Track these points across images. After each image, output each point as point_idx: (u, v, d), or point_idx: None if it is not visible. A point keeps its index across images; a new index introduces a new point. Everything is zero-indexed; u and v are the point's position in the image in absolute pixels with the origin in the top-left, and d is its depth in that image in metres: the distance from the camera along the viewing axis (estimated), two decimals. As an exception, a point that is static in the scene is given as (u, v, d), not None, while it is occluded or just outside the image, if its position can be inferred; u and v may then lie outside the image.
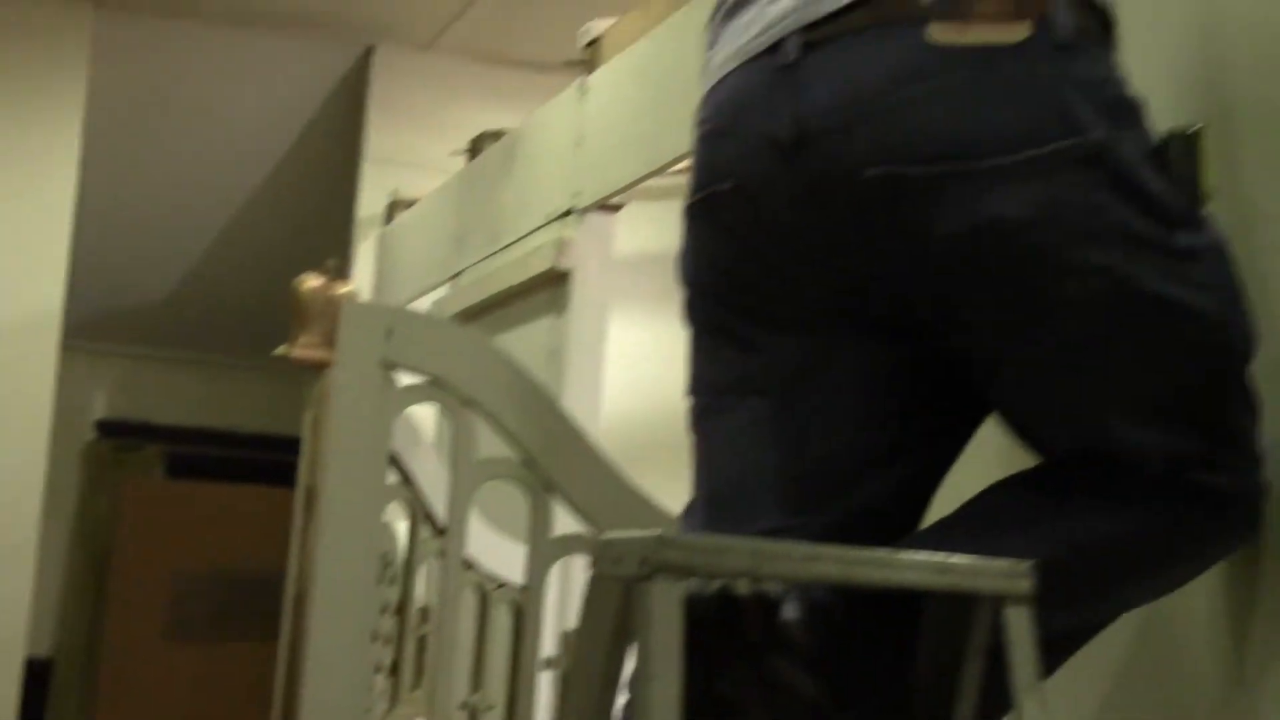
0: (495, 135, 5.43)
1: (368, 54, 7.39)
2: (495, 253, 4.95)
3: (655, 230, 4.95)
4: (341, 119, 7.51)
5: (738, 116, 1.73)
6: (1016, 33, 1.58)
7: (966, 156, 1.58)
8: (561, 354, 4.28)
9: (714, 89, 1.78)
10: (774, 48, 1.69)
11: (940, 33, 1.59)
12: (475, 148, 5.60)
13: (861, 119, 1.62)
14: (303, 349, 5.11)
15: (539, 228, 4.56)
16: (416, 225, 6.14)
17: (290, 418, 6.07)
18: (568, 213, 4.37)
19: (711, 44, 1.83)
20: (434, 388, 2.89)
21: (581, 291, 4.29)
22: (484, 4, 6.79)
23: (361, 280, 6.76)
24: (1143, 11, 1.95)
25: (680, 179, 3.47)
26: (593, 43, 4.44)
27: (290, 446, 5.09)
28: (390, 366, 2.83)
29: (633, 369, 4.65)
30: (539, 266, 4.41)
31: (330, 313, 5.14)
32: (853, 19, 1.64)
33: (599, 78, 4.33)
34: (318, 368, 4.73)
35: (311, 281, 5.44)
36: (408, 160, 7.14)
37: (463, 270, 5.30)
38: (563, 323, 4.33)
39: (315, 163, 7.72)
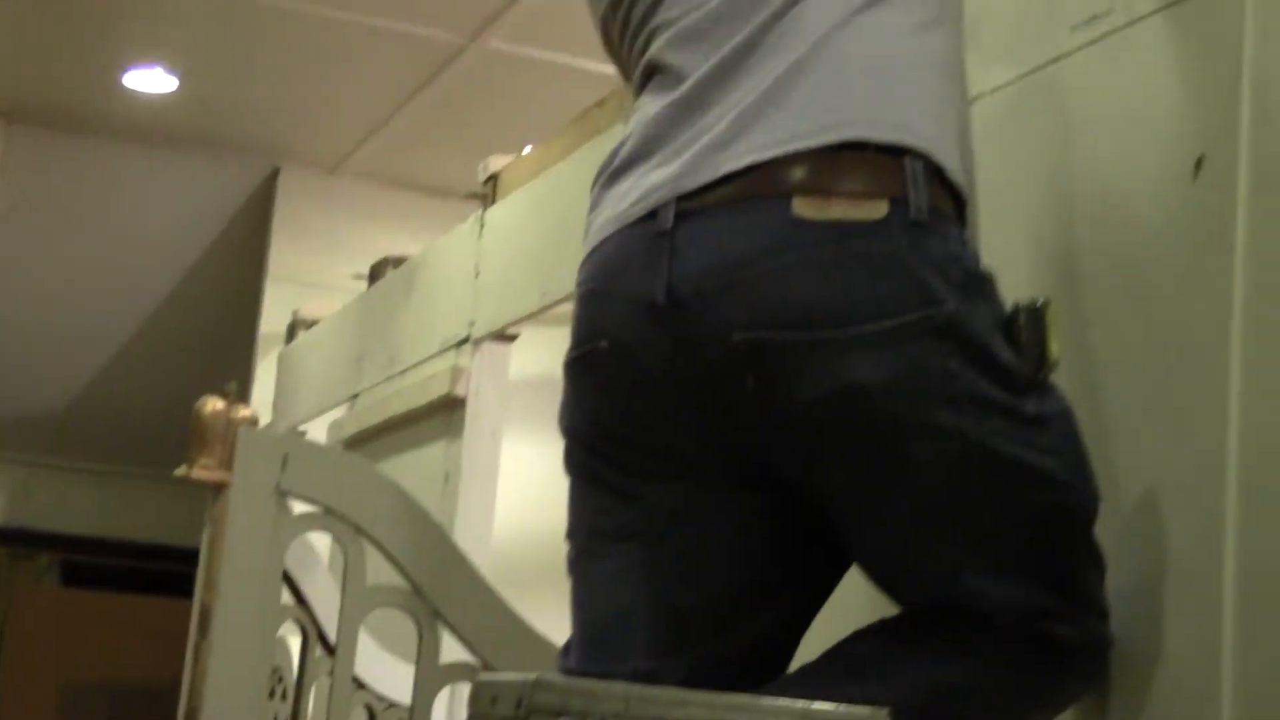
0: (396, 261, 5.49)
1: (273, 175, 7.46)
2: (393, 376, 5.00)
3: (551, 353, 5.03)
4: (246, 238, 7.56)
5: (615, 279, 1.80)
6: (875, 210, 1.67)
7: (828, 325, 1.66)
8: (456, 479, 4.33)
9: (594, 251, 1.85)
10: (651, 215, 1.76)
11: (805, 208, 1.67)
12: (376, 272, 5.66)
13: (731, 286, 1.69)
14: (201, 470, 5.11)
15: (436, 354, 4.62)
16: (317, 345, 6.17)
17: (188, 529, 6.05)
18: (464, 340, 4.44)
19: (594, 207, 1.90)
20: (327, 516, 2.93)
21: (476, 418, 4.35)
22: (388, 131, 6.89)
23: (261, 397, 6.76)
24: (996, 189, 2.06)
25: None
26: (491, 178, 4.52)
27: (187, 557, 5.07)
28: (285, 494, 2.88)
29: (526, 489, 4.69)
30: (435, 392, 4.46)
31: (230, 436, 5.15)
32: (724, 191, 1.72)
33: (497, 212, 4.41)
34: (216, 488, 4.73)
35: (213, 404, 5.44)
36: (310, 280, 7.19)
37: (360, 392, 5.34)
38: (457, 448, 4.39)
39: (219, 280, 7.76)
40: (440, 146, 6.89)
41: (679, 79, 1.83)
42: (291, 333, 6.76)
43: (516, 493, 4.56)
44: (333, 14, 5.77)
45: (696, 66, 1.81)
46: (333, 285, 6.77)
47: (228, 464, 5.07)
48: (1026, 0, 2.26)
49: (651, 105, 1.86)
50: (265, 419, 6.55)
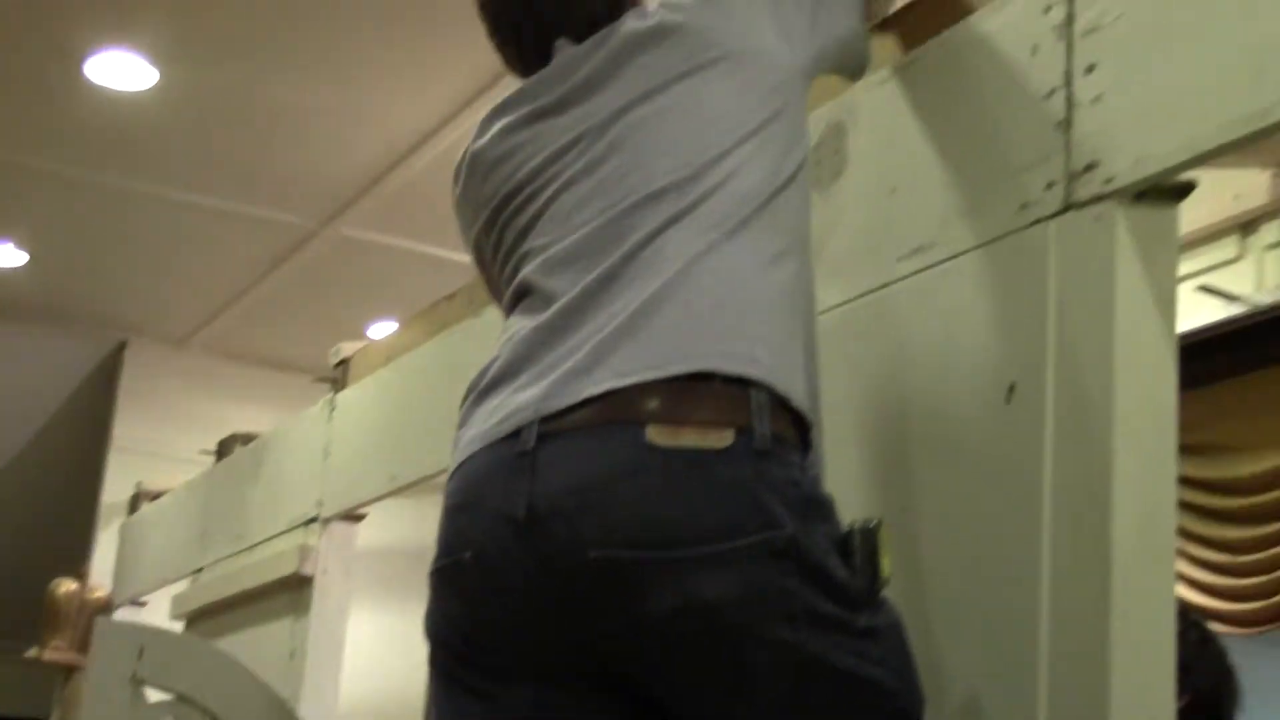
0: (244, 438, 5.51)
1: (120, 348, 7.45)
2: (239, 552, 4.99)
3: (400, 526, 5.08)
4: (91, 409, 7.52)
5: (480, 493, 1.88)
6: (722, 439, 1.77)
7: (677, 544, 1.75)
8: (302, 656, 4.33)
9: (461, 466, 1.93)
10: (515, 434, 1.85)
11: (657, 435, 1.77)
12: (223, 448, 5.67)
13: (588, 505, 1.78)
14: (53, 652, 5.08)
15: (284, 532, 4.64)
16: (160, 518, 6.14)
17: (36, 702, 5.97)
18: (313, 520, 4.46)
19: (462, 423, 1.98)
20: (181, 704, 2.95)
21: (323, 596, 4.36)
22: (237, 308, 6.93)
23: (102, 568, 6.70)
24: (834, 403, 2.17)
25: (426, 480, 3.69)
26: (343, 362, 4.58)
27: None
28: (140, 683, 2.89)
29: (368, 660, 4.71)
30: (283, 570, 4.47)
31: (83, 618, 5.14)
32: (583, 415, 1.81)
33: (348, 396, 4.47)
34: (68, 670, 4.72)
35: (66, 585, 5.43)
36: (154, 451, 7.16)
37: (204, 567, 5.32)
38: (304, 625, 4.39)
39: (62, 450, 7.70)
40: (289, 324, 6.95)
41: (547, 302, 1.93)
42: (134, 504, 6.73)
43: (360, 661, 4.58)
44: (186, 197, 5.83)
45: (564, 292, 1.91)
46: (177, 457, 6.76)
47: (79, 646, 5.05)
48: (861, 229, 2.39)
49: (520, 327, 1.95)
50: (106, 589, 6.50)
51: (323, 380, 4.67)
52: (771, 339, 1.87)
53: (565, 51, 2.10)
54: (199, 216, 6.00)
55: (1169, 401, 1.96)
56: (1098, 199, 1.97)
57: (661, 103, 1.98)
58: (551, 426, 1.82)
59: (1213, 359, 4.13)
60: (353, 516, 4.42)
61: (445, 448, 3.65)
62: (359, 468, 4.28)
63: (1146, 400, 1.93)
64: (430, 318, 4.08)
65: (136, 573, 6.27)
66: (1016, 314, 2.07)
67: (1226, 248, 3.97)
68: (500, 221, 2.08)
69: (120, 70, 5.11)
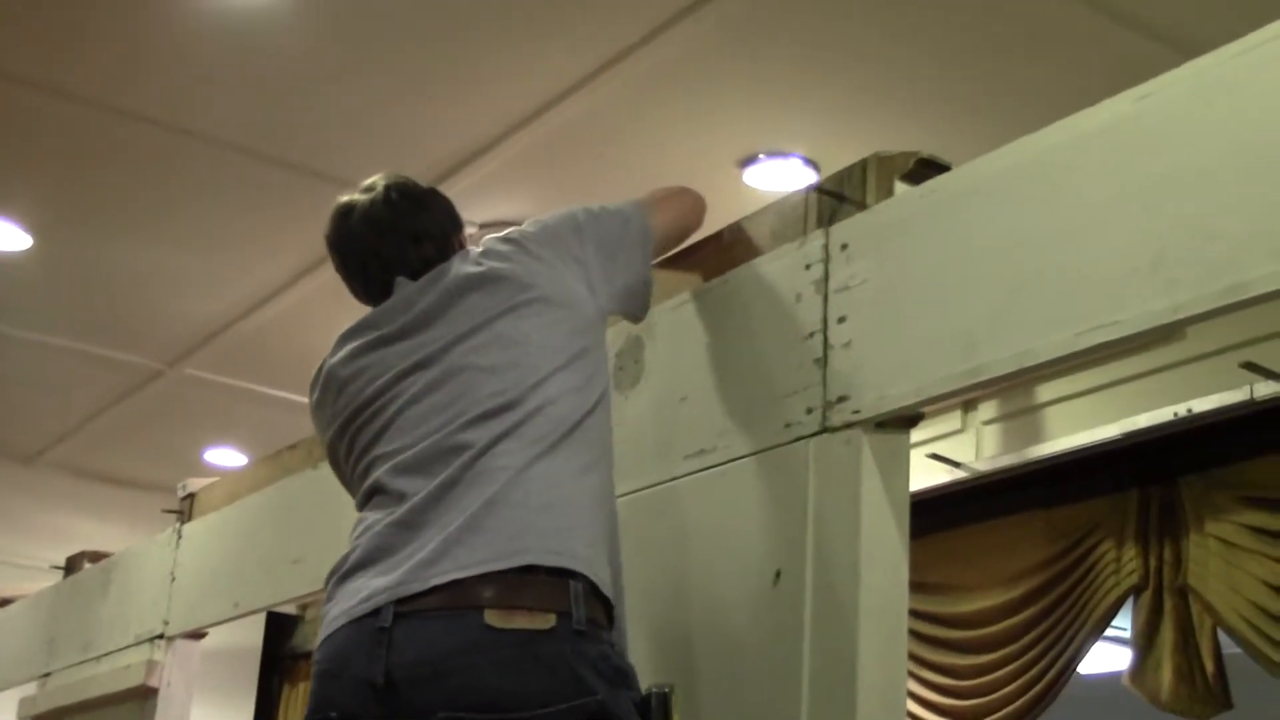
0: (91, 555, 5.53)
1: (-31, 463, 7.36)
2: (86, 661, 5.02)
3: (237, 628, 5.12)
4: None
5: (345, 662, 2.06)
6: (546, 622, 1.99)
7: (510, 709, 1.95)
8: (145, 763, 4.39)
9: (328, 638, 2.11)
10: (374, 613, 2.04)
11: (494, 618, 1.99)
12: (72, 564, 5.67)
13: (436, 675, 1.98)
14: None
15: (131, 645, 4.69)
16: (9, 624, 6.09)
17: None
18: (159, 636, 4.53)
19: (328, 600, 2.16)
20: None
21: (166, 707, 4.42)
22: (85, 432, 6.91)
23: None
24: (630, 581, 2.38)
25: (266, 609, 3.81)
26: (190, 496, 4.67)
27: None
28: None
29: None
30: (130, 681, 4.53)
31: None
32: (432, 600, 2.01)
33: (193, 527, 4.55)
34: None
35: None
36: (3, 560, 7.09)
37: (52, 672, 5.32)
38: (147, 735, 4.45)
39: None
40: (135, 448, 6.95)
41: (399, 500, 2.13)
42: (-20, 610, 6.63)
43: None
44: (44, 338, 5.86)
45: (413, 492, 2.11)
46: (24, 566, 6.71)
47: None
48: (655, 428, 2.60)
49: (375, 520, 2.14)
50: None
51: (170, 511, 4.75)
52: (586, 535, 2.09)
53: (404, 287, 2.32)
54: (54, 354, 6.02)
55: (902, 589, 2.20)
56: (848, 425, 2.22)
57: (486, 336, 2.22)
58: (406, 608, 2.02)
59: (940, 513, 4.42)
60: (195, 634, 4.50)
61: (283, 581, 3.83)
62: (203, 593, 4.37)
63: (885, 587, 2.18)
64: (273, 463, 4.21)
65: (-20, 674, 6.20)
66: (782, 512, 2.30)
67: (952, 421, 4.25)
68: (352, 429, 2.28)
69: (-4, 234, 5.24)
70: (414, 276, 2.32)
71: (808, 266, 2.36)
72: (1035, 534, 4.30)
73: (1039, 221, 2.00)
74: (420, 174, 4.37)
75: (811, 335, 2.32)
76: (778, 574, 2.26)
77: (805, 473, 2.27)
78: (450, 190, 4.45)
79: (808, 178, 4.25)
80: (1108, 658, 4.74)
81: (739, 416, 2.43)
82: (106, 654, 4.86)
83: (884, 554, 2.18)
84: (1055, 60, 3.78)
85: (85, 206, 4.79)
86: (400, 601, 2.03)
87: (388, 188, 2.41)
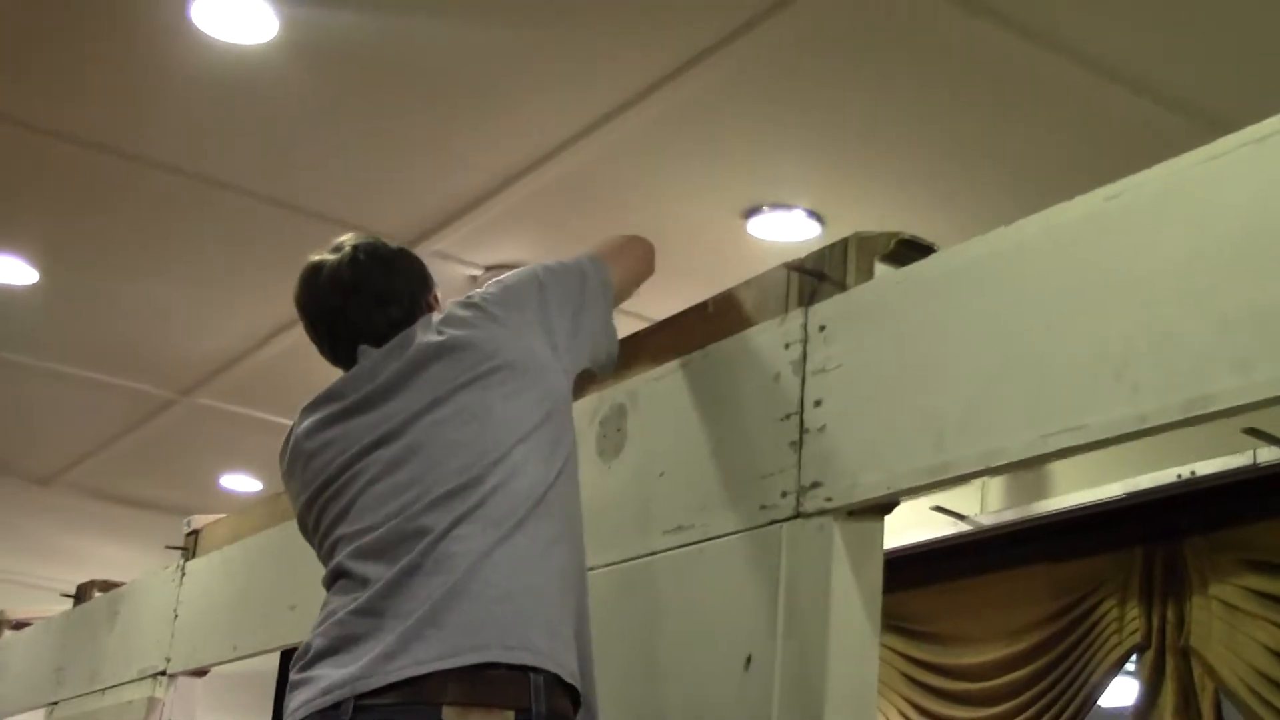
0: (101, 585, 5.55)
1: (-12, 485, 7.41)
2: (92, 693, 5.03)
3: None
4: (-42, 539, 7.46)
5: None
6: (505, 718, 1.98)
7: None
8: (145, 799, 4.39)
9: None
10: (335, 706, 2.03)
11: (451, 714, 1.98)
12: (81, 593, 5.69)
13: None
14: None
15: (134, 680, 4.70)
16: (20, 649, 6.11)
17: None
18: (161, 673, 4.53)
19: (291, 688, 2.15)
20: None
21: (168, 746, 4.43)
22: (100, 457, 6.95)
23: (-39, 688, 6.63)
24: (605, 656, 2.37)
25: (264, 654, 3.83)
26: (194, 533, 4.67)
27: None
28: None
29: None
30: (133, 717, 4.54)
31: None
32: (391, 696, 2.00)
33: (197, 565, 4.56)
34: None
35: None
36: (19, 581, 7.13)
37: (60, 701, 5.34)
38: (149, 770, 4.45)
39: (-73, 578, 7.61)
40: (148, 472, 6.99)
41: (361, 586, 2.12)
42: (-3, 630, 6.67)
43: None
44: (58, 368, 5.90)
45: (375, 579, 2.11)
46: (44, 588, 6.74)
47: None
48: (634, 501, 2.59)
49: (337, 607, 2.13)
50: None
51: (173, 548, 4.75)
52: (548, 624, 2.08)
53: (368, 356, 2.32)
54: (67, 382, 6.06)
55: (870, 679, 2.18)
56: (821, 512, 2.20)
57: (449, 409, 2.20)
58: (365, 703, 2.00)
59: (944, 564, 4.41)
60: (197, 672, 4.50)
61: (281, 627, 3.83)
62: (204, 633, 4.38)
63: (852, 677, 2.15)
64: (273, 505, 4.21)
65: (-6, 696, 6.23)
66: (755, 596, 2.28)
67: (957, 474, 4.23)
68: (317, 505, 2.27)
69: (3, 271, 5.26)
70: (379, 341, 2.31)
71: (787, 346, 2.35)
72: (1039, 589, 4.28)
73: (1010, 315, 1.98)
74: (424, 218, 4.43)
75: (789, 417, 2.30)
76: (748, 659, 2.24)
77: (778, 557, 2.25)
78: (455, 234, 4.52)
79: (811, 229, 4.24)
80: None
81: (717, 495, 2.41)
82: (111, 687, 4.87)
83: (853, 644, 2.16)
84: (1064, 125, 3.76)
85: (90, 244, 4.85)
86: (360, 696, 2.02)
87: (355, 249, 2.39)
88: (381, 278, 2.37)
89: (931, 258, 2.20)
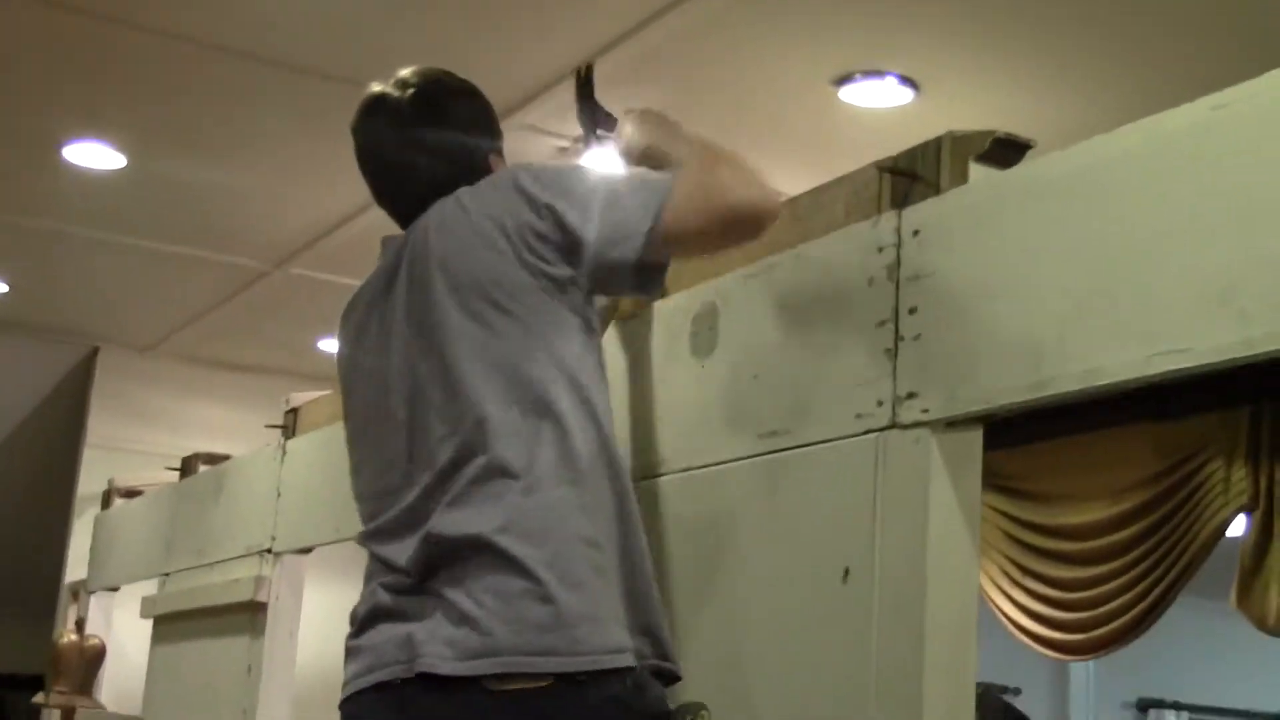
0: (205, 457, 5.64)
1: (93, 354, 7.53)
2: (200, 567, 5.15)
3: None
4: (65, 409, 7.62)
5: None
6: (544, 680, 1.95)
7: None
8: (258, 673, 4.51)
9: (350, 700, 2.10)
10: (391, 683, 2.02)
11: (491, 683, 1.95)
12: (187, 465, 5.80)
13: None
14: (58, 697, 5.27)
15: (241, 556, 4.80)
16: (131, 520, 6.27)
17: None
18: (267, 550, 4.62)
19: (348, 655, 2.15)
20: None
21: (276, 622, 4.53)
22: (200, 325, 7.04)
23: (78, 554, 6.83)
24: (684, 580, 2.38)
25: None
26: (293, 411, 4.72)
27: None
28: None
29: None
30: (240, 595, 4.63)
31: (82, 666, 5.32)
32: (435, 680, 1.97)
33: (296, 445, 4.61)
34: (69, 711, 4.90)
35: (67, 637, 5.60)
36: (126, 448, 7.28)
37: (171, 573, 5.47)
38: (259, 646, 4.56)
39: (39, 446, 7.80)
40: (248, 339, 7.07)
41: (390, 571, 2.14)
42: (107, 499, 6.84)
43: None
44: (153, 245, 5.95)
45: (399, 561, 2.12)
46: (148, 452, 6.88)
47: (82, 690, 5.25)
48: (726, 402, 2.56)
49: (376, 586, 2.17)
50: (80, 573, 6.65)
51: (273, 426, 4.81)
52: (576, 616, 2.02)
53: (389, 246, 2.31)
54: (159, 258, 6.13)
55: (971, 599, 2.17)
56: (917, 424, 2.17)
57: (435, 364, 2.15)
58: (417, 681, 2.00)
59: (1047, 424, 4.36)
60: (303, 550, 4.58)
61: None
62: (307, 513, 4.44)
63: (952, 597, 2.13)
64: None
65: (109, 565, 6.41)
66: (851, 506, 2.26)
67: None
68: (358, 424, 2.34)
69: (92, 156, 5.31)
70: (422, 201, 2.22)
71: (880, 250, 2.30)
72: (1143, 448, 4.23)
73: (1111, 229, 1.92)
74: (510, 92, 4.36)
75: (883, 324, 2.26)
76: (846, 571, 2.23)
77: (875, 468, 2.22)
78: (542, 108, 4.45)
79: (904, 96, 4.14)
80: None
81: (812, 400, 2.38)
82: (219, 562, 4.98)
83: (953, 559, 2.14)
84: (1174, 14, 3.61)
85: (173, 130, 4.88)
86: (406, 680, 2.01)
87: (411, 85, 2.29)
88: (434, 125, 2.27)
89: (1028, 164, 2.13)
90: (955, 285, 2.16)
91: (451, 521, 2.03)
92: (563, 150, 4.60)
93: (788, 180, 4.73)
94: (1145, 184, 1.89)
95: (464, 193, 2.19)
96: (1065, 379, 1.95)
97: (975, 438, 2.18)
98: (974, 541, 2.18)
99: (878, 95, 4.18)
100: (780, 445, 2.42)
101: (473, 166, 2.26)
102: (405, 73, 2.31)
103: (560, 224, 2.13)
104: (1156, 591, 4.18)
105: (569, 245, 2.13)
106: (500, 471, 2.04)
